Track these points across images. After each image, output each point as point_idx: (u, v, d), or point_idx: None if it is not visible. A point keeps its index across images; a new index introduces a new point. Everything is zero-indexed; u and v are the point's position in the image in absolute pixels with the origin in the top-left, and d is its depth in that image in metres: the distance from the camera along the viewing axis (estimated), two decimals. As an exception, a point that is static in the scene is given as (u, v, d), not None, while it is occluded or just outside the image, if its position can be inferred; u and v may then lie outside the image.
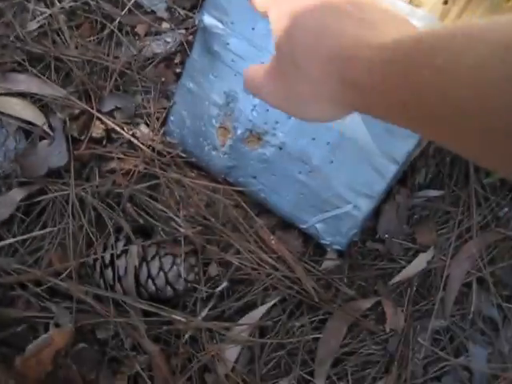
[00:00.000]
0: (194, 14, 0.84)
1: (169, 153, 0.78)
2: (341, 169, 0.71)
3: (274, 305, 0.79)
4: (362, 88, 0.32)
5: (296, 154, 0.72)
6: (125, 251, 0.74)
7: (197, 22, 0.78)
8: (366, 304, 0.81)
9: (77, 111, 0.80)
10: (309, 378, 0.78)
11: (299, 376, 0.78)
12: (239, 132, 0.73)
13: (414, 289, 0.82)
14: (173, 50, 0.84)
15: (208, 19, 0.70)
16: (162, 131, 0.79)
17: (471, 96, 0.23)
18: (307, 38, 0.34)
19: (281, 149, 0.72)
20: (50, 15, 0.84)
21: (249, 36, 0.68)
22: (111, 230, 0.75)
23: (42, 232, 0.76)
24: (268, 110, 0.71)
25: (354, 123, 0.67)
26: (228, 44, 0.70)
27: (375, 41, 0.31)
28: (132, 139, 0.78)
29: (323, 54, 0.33)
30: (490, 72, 0.22)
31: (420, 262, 0.82)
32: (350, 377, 0.79)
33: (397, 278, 0.82)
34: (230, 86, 0.72)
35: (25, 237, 0.76)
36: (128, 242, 0.75)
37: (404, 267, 0.82)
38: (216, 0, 0.69)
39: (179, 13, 0.85)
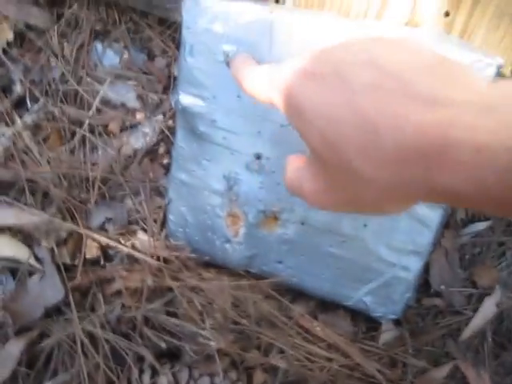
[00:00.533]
0: (169, 95, 0.75)
1: (177, 257, 0.67)
2: (377, 230, 0.61)
3: (338, 400, 0.67)
4: (459, 194, 0.24)
5: (322, 226, 0.62)
6: (153, 383, 0.63)
7: (173, 105, 0.68)
8: (442, 372, 0.69)
9: (64, 234, 0.70)
10: None
11: None
12: (251, 216, 0.63)
13: (490, 340, 0.70)
14: (154, 140, 0.75)
15: (185, 98, 0.61)
16: (163, 234, 0.69)
17: None
18: (356, 137, 0.26)
19: (303, 224, 0.62)
20: (14, 134, 0.75)
21: (236, 106, 0.59)
22: (131, 363, 0.64)
23: (52, 383, 0.65)
24: (278, 184, 0.61)
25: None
26: (215, 121, 0.60)
27: (457, 132, 0.23)
28: (132, 252, 0.68)
29: (387, 154, 0.25)
30: None
31: (488, 307, 0.71)
32: None
33: (467, 333, 0.71)
34: (228, 167, 0.62)
35: (35, 394, 0.65)
36: (154, 371, 0.64)
37: (471, 318, 0.71)
38: (191, 76, 0.60)
39: (152, 98, 0.76)
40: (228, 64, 0.57)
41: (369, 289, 0.65)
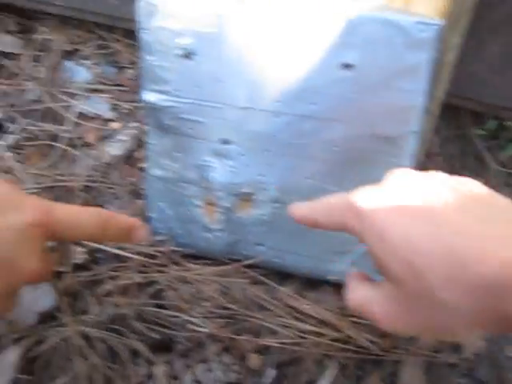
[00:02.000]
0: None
1: (161, 252, 0.69)
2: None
3: (335, 375, 0.68)
4: None
5: (296, 202, 0.64)
6: (149, 376, 0.64)
7: (140, 104, 0.71)
8: (434, 337, 0.70)
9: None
10: None
11: None
12: (226, 202, 0.65)
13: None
14: (131, 146, 0.77)
15: (150, 96, 0.64)
16: (146, 232, 0.71)
17: None
18: (443, 268, 0.29)
19: (277, 202, 0.64)
20: (-4, 158, 0.78)
21: (197, 96, 0.62)
22: (127, 359, 0.66)
23: (53, 388, 0.66)
24: (248, 166, 0.63)
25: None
26: (179, 113, 0.63)
27: None
28: (118, 252, 0.70)
29: (472, 285, 0.28)
30: None
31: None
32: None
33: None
34: (198, 156, 0.65)
35: (36, 400, 0.66)
36: (149, 363, 0.65)
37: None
38: (152, 73, 0.63)
39: (125, 108, 0.79)
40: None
41: (350, 260, 0.66)
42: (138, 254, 0.69)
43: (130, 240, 0.55)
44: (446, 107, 0.77)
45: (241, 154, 0.63)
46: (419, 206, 0.31)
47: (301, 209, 0.42)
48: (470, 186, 0.33)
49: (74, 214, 0.47)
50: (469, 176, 0.71)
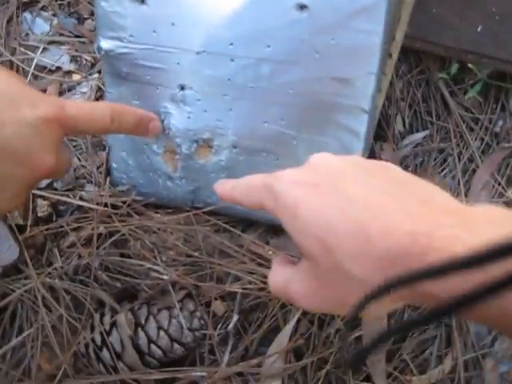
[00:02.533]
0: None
1: (124, 202, 0.69)
2: (308, 145, 0.62)
3: (299, 320, 0.69)
4: (436, 296, 0.27)
5: (254, 147, 0.63)
6: (114, 324, 0.65)
7: (96, 52, 0.70)
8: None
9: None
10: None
11: (356, 386, 0.67)
12: (185, 148, 0.65)
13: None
14: (92, 98, 0.76)
15: (106, 43, 0.62)
16: (108, 183, 0.71)
17: None
18: (350, 243, 0.29)
19: (235, 147, 0.64)
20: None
21: (153, 41, 0.61)
22: (91, 309, 0.66)
23: (19, 339, 0.67)
24: (205, 111, 0.63)
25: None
26: (136, 60, 0.62)
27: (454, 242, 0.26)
28: (80, 203, 0.70)
29: (377, 257, 0.28)
30: None
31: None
32: (412, 366, 0.68)
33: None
34: (157, 103, 0.64)
35: (3, 350, 0.66)
36: (114, 312, 0.66)
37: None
38: (107, 20, 0.61)
39: (85, 59, 0.78)
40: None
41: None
42: (101, 204, 0.69)
43: (146, 132, 0.57)
44: (408, 51, 0.77)
45: (198, 100, 0.62)
46: (331, 184, 0.32)
47: (224, 187, 0.43)
48: (386, 168, 0.34)
49: (87, 109, 0.48)
50: (432, 121, 0.72)
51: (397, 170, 0.34)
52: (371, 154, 0.71)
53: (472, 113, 0.75)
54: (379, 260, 0.28)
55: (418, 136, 0.74)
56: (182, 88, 0.62)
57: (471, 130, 0.75)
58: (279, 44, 0.58)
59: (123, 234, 0.68)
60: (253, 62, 0.59)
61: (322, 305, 0.34)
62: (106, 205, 0.69)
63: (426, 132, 0.74)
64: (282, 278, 0.36)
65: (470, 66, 0.73)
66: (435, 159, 0.74)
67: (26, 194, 0.44)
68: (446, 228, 0.27)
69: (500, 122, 0.75)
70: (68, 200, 0.70)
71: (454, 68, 0.75)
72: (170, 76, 0.62)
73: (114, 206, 0.69)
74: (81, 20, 0.80)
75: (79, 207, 0.70)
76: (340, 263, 0.30)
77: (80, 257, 0.69)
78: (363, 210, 0.29)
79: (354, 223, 0.29)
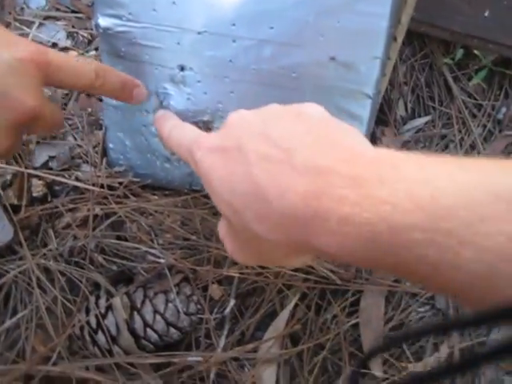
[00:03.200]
0: (98, 29, 0.75)
1: (120, 183, 0.68)
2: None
3: (296, 305, 0.68)
4: (337, 256, 0.28)
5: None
6: (109, 307, 0.64)
7: (94, 30, 0.68)
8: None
9: (9, 177, 0.70)
10: (364, 371, 0.67)
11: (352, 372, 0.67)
12: (184, 130, 0.63)
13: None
14: (89, 76, 0.74)
15: (104, 21, 0.60)
16: (104, 163, 0.69)
17: None
18: (253, 204, 0.31)
19: (236, 131, 0.63)
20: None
21: (153, 20, 0.59)
22: (86, 291, 0.65)
23: (13, 320, 0.66)
24: (206, 93, 0.61)
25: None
26: (135, 39, 0.60)
27: (348, 198, 0.26)
28: (76, 183, 0.68)
29: (276, 218, 0.29)
30: None
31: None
32: (408, 353, 0.68)
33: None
34: (156, 83, 0.62)
35: (-3, 332, 0.66)
36: (110, 296, 0.65)
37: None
38: (106, -3, 0.60)
39: (82, 35, 0.76)
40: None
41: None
42: (97, 185, 0.68)
43: (130, 98, 0.56)
44: (413, 35, 0.75)
45: (198, 81, 0.61)
46: (236, 147, 0.32)
47: (163, 129, 0.46)
48: (299, 114, 0.33)
49: (71, 61, 0.48)
50: (434, 106, 0.71)
51: (311, 113, 0.33)
52: (372, 139, 0.70)
53: (475, 99, 0.74)
54: (279, 221, 0.29)
55: (420, 121, 0.73)
56: (182, 69, 0.61)
57: (474, 116, 0.74)
58: (283, 25, 0.56)
59: (119, 216, 0.67)
60: (255, 43, 0.58)
61: (246, 259, 0.38)
62: (102, 186, 0.68)
63: (428, 117, 0.73)
64: (222, 231, 0.39)
65: (475, 51, 0.72)
66: (437, 145, 0.74)
67: (12, 138, 0.44)
68: (335, 187, 0.27)
69: (503, 109, 0.74)
70: (63, 180, 0.69)
71: (459, 53, 0.73)
72: (170, 56, 0.60)
73: (110, 187, 0.68)
74: (78, -5, 0.78)
75: (75, 188, 0.69)
76: (248, 225, 0.31)
77: (75, 238, 0.68)
78: (262, 172, 0.30)
79: (254, 186, 0.30)
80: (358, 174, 0.26)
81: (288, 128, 0.31)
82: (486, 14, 0.69)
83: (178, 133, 0.43)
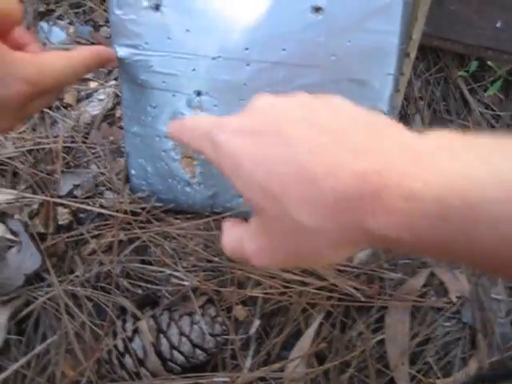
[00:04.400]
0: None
1: (143, 209, 0.69)
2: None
3: (321, 323, 0.68)
4: (393, 239, 0.25)
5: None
6: (136, 330, 0.65)
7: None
8: (419, 281, 0.70)
9: (35, 206, 0.72)
10: (391, 387, 0.67)
11: (379, 389, 0.66)
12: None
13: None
14: (110, 105, 0.77)
15: (121, 51, 0.62)
16: (127, 190, 0.71)
17: None
18: (295, 187, 0.27)
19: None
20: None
21: (169, 48, 0.61)
22: (113, 315, 0.66)
23: (43, 346, 0.67)
24: (222, 116, 0.62)
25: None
26: (151, 67, 0.62)
27: (391, 179, 0.25)
28: (100, 210, 0.70)
29: (325, 201, 0.27)
30: None
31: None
32: (435, 368, 0.67)
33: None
34: (173, 109, 0.64)
35: (27, 357, 0.67)
36: (136, 319, 0.66)
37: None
38: (122, 28, 0.61)
39: (103, 66, 0.78)
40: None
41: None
42: (121, 211, 0.69)
43: (100, 64, 0.53)
44: (426, 49, 0.76)
45: (214, 105, 0.62)
46: (273, 130, 0.30)
47: (174, 125, 0.40)
48: (334, 104, 0.31)
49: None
50: (452, 119, 0.71)
51: (346, 104, 0.31)
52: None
53: (493, 110, 0.74)
54: (327, 205, 0.26)
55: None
56: (199, 94, 0.62)
57: (492, 127, 0.73)
58: (295, 47, 0.58)
59: (143, 241, 0.68)
60: (269, 66, 0.59)
61: (275, 260, 0.32)
62: (125, 212, 0.69)
63: (446, 131, 0.73)
64: (235, 238, 0.34)
65: (489, 63, 0.72)
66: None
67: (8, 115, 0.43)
68: (397, 164, 0.25)
69: (522, 119, 0.73)
70: (88, 208, 0.70)
71: (474, 65, 0.73)
72: (186, 82, 0.62)
73: (133, 213, 0.69)
74: (96, 27, 0.80)
75: (99, 214, 0.71)
76: (287, 212, 0.28)
77: (101, 264, 0.69)
78: (307, 153, 0.27)
79: (298, 168, 0.27)
80: (423, 150, 0.25)
81: (330, 114, 0.30)
82: (498, 25, 0.69)
83: (193, 121, 0.38)
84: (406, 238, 0.24)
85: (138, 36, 0.62)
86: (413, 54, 0.66)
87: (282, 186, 0.28)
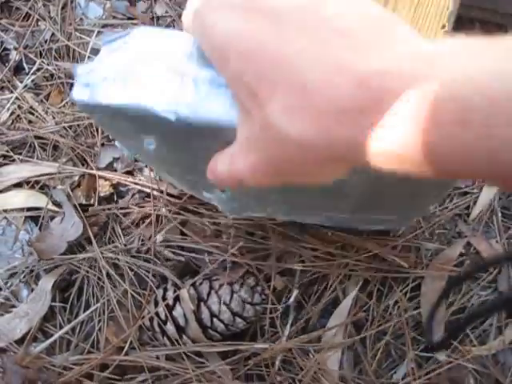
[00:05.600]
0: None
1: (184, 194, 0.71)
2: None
3: (358, 292, 0.69)
4: (401, 152, 0.22)
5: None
6: (177, 299, 0.67)
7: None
8: (455, 251, 0.70)
9: (76, 178, 0.74)
10: (427, 355, 0.68)
11: (416, 357, 0.67)
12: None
13: (499, 213, 0.71)
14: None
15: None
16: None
17: None
18: (284, 94, 0.24)
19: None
20: (17, 98, 0.79)
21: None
22: (153, 285, 0.68)
23: (87, 313, 0.69)
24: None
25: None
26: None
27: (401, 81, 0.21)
28: (141, 188, 0.72)
29: (315, 111, 0.23)
30: None
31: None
32: (472, 336, 0.68)
33: (476, 210, 0.72)
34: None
35: (72, 324, 0.69)
36: (177, 288, 0.68)
37: (478, 196, 0.72)
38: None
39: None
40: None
41: (374, 228, 0.67)
42: (157, 190, 0.71)
43: None
44: (463, 20, 0.75)
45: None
46: (267, 12, 0.26)
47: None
48: None
49: None
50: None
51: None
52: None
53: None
54: (319, 114, 0.23)
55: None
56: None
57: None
58: None
59: (184, 215, 0.70)
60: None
61: (264, 175, 0.29)
62: (162, 192, 0.71)
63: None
64: (224, 158, 0.31)
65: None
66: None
67: None
68: (412, 62, 0.21)
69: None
70: (129, 183, 0.72)
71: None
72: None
73: (170, 195, 0.71)
74: (132, 2, 0.81)
75: (140, 190, 0.73)
76: (272, 120, 0.25)
77: (142, 235, 0.71)
78: (301, 52, 0.24)
79: (289, 68, 0.24)
80: (437, 50, 0.22)
81: (338, 8, 0.25)
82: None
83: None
84: (416, 153, 0.21)
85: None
86: (449, 26, 0.65)
87: (269, 90, 0.25)
